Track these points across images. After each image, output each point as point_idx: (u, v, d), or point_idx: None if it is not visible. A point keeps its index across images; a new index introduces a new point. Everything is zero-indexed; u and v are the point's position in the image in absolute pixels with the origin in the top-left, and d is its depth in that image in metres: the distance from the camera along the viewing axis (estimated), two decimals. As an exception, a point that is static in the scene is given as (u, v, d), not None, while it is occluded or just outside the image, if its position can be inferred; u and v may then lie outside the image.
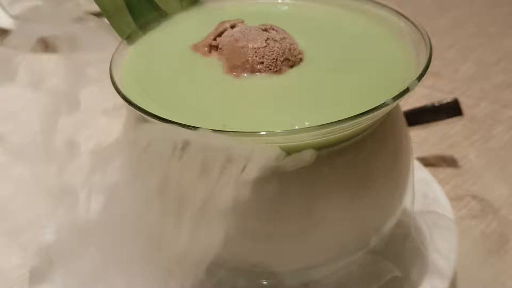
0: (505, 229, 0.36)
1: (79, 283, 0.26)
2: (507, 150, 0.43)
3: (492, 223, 0.36)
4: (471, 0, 0.69)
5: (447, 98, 0.40)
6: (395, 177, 0.26)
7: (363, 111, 0.21)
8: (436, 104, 0.39)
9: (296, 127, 0.22)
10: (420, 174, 0.34)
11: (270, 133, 0.21)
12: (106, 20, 0.28)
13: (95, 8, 0.28)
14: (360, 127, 0.23)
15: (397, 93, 0.22)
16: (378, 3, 0.29)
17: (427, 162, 0.41)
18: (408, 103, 0.44)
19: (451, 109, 0.39)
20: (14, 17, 0.60)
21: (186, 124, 0.21)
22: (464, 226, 0.36)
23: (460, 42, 0.60)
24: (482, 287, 0.32)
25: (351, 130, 0.23)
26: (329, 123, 0.21)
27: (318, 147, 0.23)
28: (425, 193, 0.33)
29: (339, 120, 0.21)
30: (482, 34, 0.61)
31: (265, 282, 0.26)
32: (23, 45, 0.29)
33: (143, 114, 0.22)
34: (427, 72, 0.24)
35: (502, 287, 0.32)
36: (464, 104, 0.48)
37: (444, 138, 0.44)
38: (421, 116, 0.39)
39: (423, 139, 0.43)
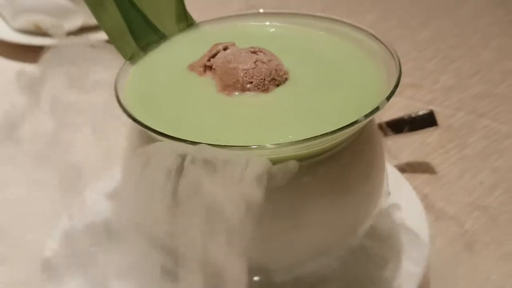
0: (477, 230, 0.39)
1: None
2: (481, 158, 0.46)
3: (464, 225, 0.39)
4: (453, 12, 0.72)
5: (423, 109, 0.43)
6: (370, 184, 0.29)
7: (340, 127, 0.24)
8: (413, 115, 0.42)
9: (281, 141, 0.25)
10: (395, 180, 0.38)
11: (260, 147, 0.24)
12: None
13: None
14: (337, 140, 0.26)
15: (368, 112, 0.25)
16: (356, 27, 0.32)
17: (404, 169, 0.44)
18: (388, 114, 0.47)
19: (427, 120, 0.42)
20: (17, 30, 0.63)
21: (186, 139, 0.24)
22: (437, 228, 0.39)
23: (440, 53, 0.63)
24: (454, 284, 0.35)
25: (330, 143, 0.26)
26: (310, 137, 0.24)
27: (301, 158, 0.26)
28: (398, 196, 0.36)
29: (318, 135, 0.24)
30: (462, 46, 0.64)
31: (256, 278, 0.29)
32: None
33: (146, 130, 0.25)
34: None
35: (473, 284, 0.35)
36: (442, 114, 0.51)
37: (422, 146, 0.47)
38: (399, 126, 0.42)
39: (401, 148, 0.46)
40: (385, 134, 0.43)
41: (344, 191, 0.28)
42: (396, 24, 0.70)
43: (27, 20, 0.61)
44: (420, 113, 0.42)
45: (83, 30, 0.59)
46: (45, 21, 0.59)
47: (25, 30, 0.63)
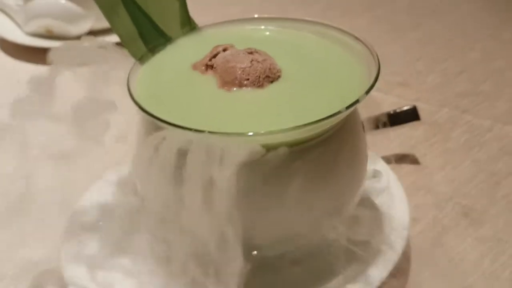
0: (456, 215, 0.42)
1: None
2: (463, 150, 0.50)
3: (444, 210, 0.43)
4: (441, 16, 0.76)
5: (407, 105, 0.47)
6: (354, 168, 0.33)
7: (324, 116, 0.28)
8: (398, 110, 0.46)
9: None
10: (381, 170, 0.41)
11: (255, 134, 0.28)
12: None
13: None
14: (324, 128, 0.30)
15: (349, 104, 0.29)
16: (342, 31, 0.35)
17: (390, 160, 0.47)
18: (377, 110, 0.51)
19: (411, 115, 0.46)
20: (29, 34, 0.67)
21: (191, 128, 0.28)
22: (419, 213, 0.42)
23: (428, 55, 0.66)
24: (434, 264, 0.39)
25: (317, 131, 0.29)
26: (299, 125, 0.28)
27: (292, 145, 0.29)
28: (383, 185, 0.39)
29: (306, 123, 0.28)
30: (449, 47, 0.68)
31: (255, 252, 0.33)
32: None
33: (155, 120, 0.29)
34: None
35: (450, 262, 0.39)
36: (427, 110, 0.55)
37: (407, 139, 0.50)
38: (384, 121, 0.46)
39: (388, 141, 0.50)
40: (374, 128, 0.46)
41: (330, 174, 0.31)
42: (387, 27, 0.74)
43: (38, 25, 0.64)
44: (404, 108, 0.46)
45: (91, 33, 0.63)
46: (56, 25, 0.62)
47: (36, 34, 0.66)
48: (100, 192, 0.38)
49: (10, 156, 0.33)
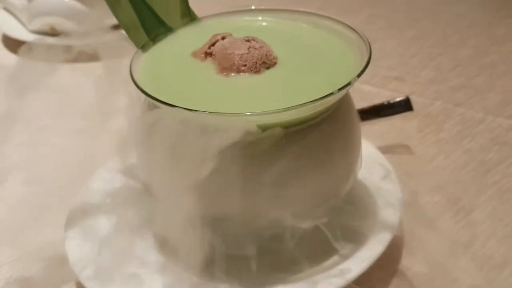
0: (447, 201, 0.44)
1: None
2: (455, 140, 0.51)
3: (435, 197, 0.44)
4: (436, 14, 0.78)
5: (400, 96, 0.48)
6: (348, 150, 0.34)
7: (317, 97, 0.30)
8: (391, 101, 0.48)
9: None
10: (377, 159, 0.43)
11: (251, 114, 0.29)
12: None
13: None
14: (317, 110, 0.31)
15: (341, 86, 0.30)
16: (336, 20, 0.37)
17: (386, 150, 0.49)
18: (373, 102, 0.53)
19: (404, 106, 0.47)
20: (33, 32, 0.68)
21: (190, 108, 0.29)
22: (411, 199, 0.44)
23: (423, 51, 0.68)
24: (426, 246, 0.40)
25: (310, 112, 0.31)
26: (292, 106, 0.29)
27: (287, 126, 0.31)
28: (378, 173, 0.41)
29: (300, 104, 0.29)
30: (443, 44, 0.70)
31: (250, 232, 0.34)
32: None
33: (156, 102, 0.30)
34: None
35: (441, 244, 0.40)
36: (421, 103, 0.56)
37: (402, 131, 0.52)
38: (379, 111, 0.47)
39: (383, 132, 0.51)
40: (370, 118, 0.48)
41: (324, 155, 0.33)
42: (384, 25, 0.75)
43: (42, 23, 0.66)
44: (398, 99, 0.47)
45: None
46: (59, 23, 0.64)
47: (40, 31, 0.68)
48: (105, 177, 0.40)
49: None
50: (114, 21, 0.35)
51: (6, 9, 0.73)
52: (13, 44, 0.69)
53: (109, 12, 0.35)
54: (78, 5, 0.64)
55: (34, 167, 0.43)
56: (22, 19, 0.70)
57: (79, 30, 0.63)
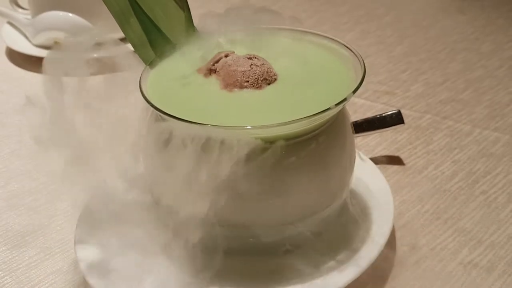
0: (437, 210, 0.46)
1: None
2: (444, 152, 0.53)
3: (425, 206, 0.46)
4: (424, 30, 0.81)
5: (392, 110, 0.51)
6: (343, 161, 0.36)
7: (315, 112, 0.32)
8: (384, 114, 0.50)
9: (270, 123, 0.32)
10: (370, 169, 0.45)
11: (254, 127, 0.31)
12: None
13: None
14: (316, 123, 0.33)
15: (338, 102, 0.32)
16: (332, 39, 0.39)
17: (378, 161, 0.51)
18: (365, 115, 0.55)
19: (395, 119, 0.49)
20: (38, 46, 0.70)
21: (196, 121, 0.31)
22: (403, 207, 0.46)
23: (412, 66, 0.70)
24: (417, 252, 0.42)
25: (310, 125, 0.33)
26: (293, 120, 0.31)
27: (287, 139, 0.33)
28: (371, 183, 0.43)
29: (299, 118, 0.31)
30: (432, 59, 0.72)
31: (252, 240, 0.36)
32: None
33: (165, 116, 0.32)
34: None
35: (433, 252, 0.42)
36: (411, 116, 0.59)
37: (393, 143, 0.54)
38: (371, 124, 0.50)
39: (375, 144, 0.53)
40: (363, 130, 0.50)
41: (322, 166, 0.35)
42: (374, 40, 0.78)
43: (46, 37, 0.68)
44: (389, 112, 0.50)
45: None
46: (63, 38, 0.66)
47: (44, 45, 0.69)
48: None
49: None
50: (116, 35, 0.37)
51: (10, 23, 0.75)
52: (18, 58, 0.71)
53: (111, 27, 0.37)
54: (82, 21, 0.66)
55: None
56: (26, 34, 0.72)
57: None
